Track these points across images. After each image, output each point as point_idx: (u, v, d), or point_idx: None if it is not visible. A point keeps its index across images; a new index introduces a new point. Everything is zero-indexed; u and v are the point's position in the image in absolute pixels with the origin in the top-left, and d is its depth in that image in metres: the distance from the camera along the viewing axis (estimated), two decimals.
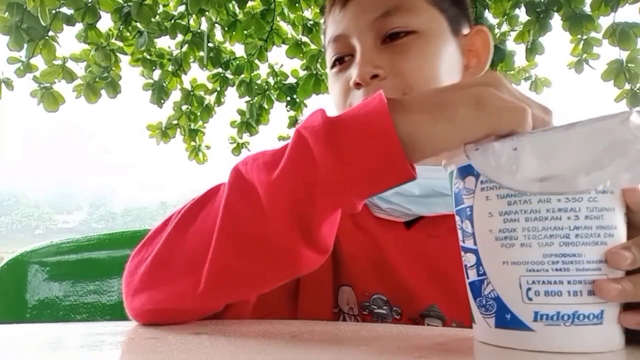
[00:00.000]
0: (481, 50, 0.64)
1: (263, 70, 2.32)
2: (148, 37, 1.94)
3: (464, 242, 0.34)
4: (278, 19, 2.11)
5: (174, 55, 2.16)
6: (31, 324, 0.48)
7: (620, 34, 1.74)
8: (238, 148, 2.50)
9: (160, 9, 1.99)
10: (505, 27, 2.06)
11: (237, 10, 2.07)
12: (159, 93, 2.17)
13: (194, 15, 2.03)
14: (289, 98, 2.34)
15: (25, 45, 1.74)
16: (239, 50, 2.26)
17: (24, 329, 0.45)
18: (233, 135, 2.46)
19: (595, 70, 2.00)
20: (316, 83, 2.11)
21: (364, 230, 0.60)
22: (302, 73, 2.25)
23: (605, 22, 1.87)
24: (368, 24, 0.58)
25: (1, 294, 0.82)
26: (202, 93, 2.35)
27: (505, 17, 2.00)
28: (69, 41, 1.96)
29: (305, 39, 2.12)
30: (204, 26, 2.14)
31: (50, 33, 1.76)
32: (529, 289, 0.30)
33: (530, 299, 0.30)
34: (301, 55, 2.14)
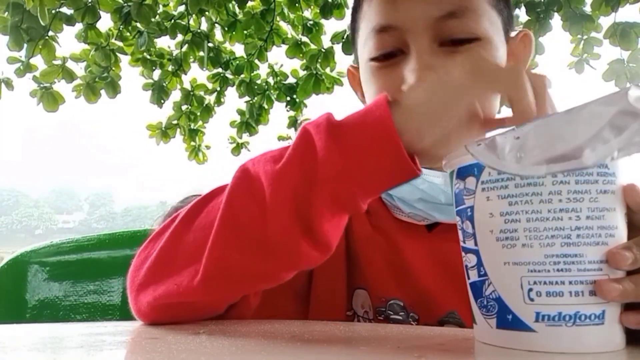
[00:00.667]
0: (522, 56, 0.60)
1: (263, 70, 2.33)
2: (148, 37, 1.94)
3: (464, 242, 0.34)
4: (278, 19, 2.11)
5: (174, 55, 2.16)
6: (31, 324, 0.48)
7: (621, 34, 1.74)
8: (238, 148, 2.50)
9: (160, 9, 1.99)
10: None
11: (237, 10, 2.07)
12: (159, 93, 2.17)
13: (194, 15, 2.03)
14: (288, 98, 2.34)
15: (25, 45, 1.74)
16: (239, 50, 2.27)
17: (24, 329, 0.45)
18: (233, 135, 2.46)
19: (596, 70, 2.00)
20: (316, 83, 2.11)
21: (383, 233, 0.59)
22: (302, 73, 2.25)
23: (605, 22, 1.87)
24: (429, 23, 0.51)
25: (1, 294, 0.82)
26: (202, 93, 2.35)
27: None
28: (68, 41, 1.96)
29: (305, 39, 2.12)
30: (204, 26, 2.14)
31: (50, 33, 1.76)
32: (530, 290, 0.30)
33: (531, 300, 0.30)
34: (301, 55, 2.14)
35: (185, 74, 2.24)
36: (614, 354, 0.29)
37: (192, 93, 2.32)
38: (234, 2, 2.03)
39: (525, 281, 0.30)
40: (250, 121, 2.37)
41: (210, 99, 2.37)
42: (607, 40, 1.84)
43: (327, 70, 2.13)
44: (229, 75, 2.31)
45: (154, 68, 2.18)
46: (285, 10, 2.10)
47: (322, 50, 2.09)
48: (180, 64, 2.13)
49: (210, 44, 2.13)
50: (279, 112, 2.43)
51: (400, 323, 0.55)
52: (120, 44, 2.03)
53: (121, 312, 0.81)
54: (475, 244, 0.33)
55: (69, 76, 1.92)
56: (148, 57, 2.14)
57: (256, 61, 2.25)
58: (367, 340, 0.36)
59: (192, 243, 0.42)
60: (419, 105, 0.38)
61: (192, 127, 2.42)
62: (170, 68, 2.19)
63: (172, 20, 2.01)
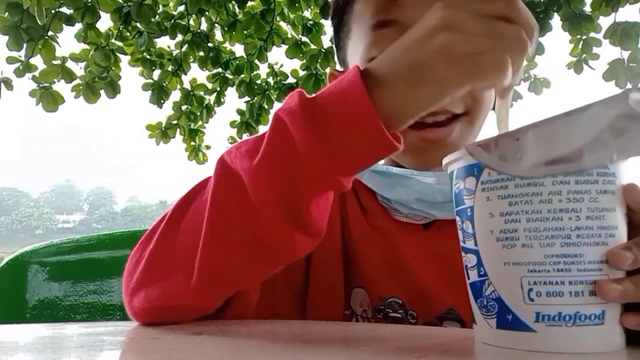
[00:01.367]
0: None
1: (263, 70, 2.33)
2: (148, 37, 1.94)
3: (464, 242, 0.34)
4: (278, 19, 2.11)
5: (173, 55, 2.16)
6: (31, 324, 0.48)
7: (622, 34, 1.74)
8: None
9: (160, 9, 1.99)
10: None
11: (237, 10, 2.07)
12: (159, 93, 2.17)
13: (193, 15, 2.04)
14: None
15: (25, 45, 1.74)
16: (238, 50, 2.27)
17: (24, 329, 0.45)
18: (233, 135, 2.46)
19: (595, 71, 2.00)
20: (316, 83, 2.11)
21: (380, 232, 0.59)
22: (301, 73, 2.25)
23: (605, 22, 1.87)
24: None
25: (1, 294, 0.82)
26: (202, 93, 2.35)
27: None
28: (68, 41, 1.96)
29: (305, 39, 2.12)
30: (204, 26, 2.14)
31: (50, 33, 1.76)
32: (530, 290, 0.30)
33: (531, 300, 0.30)
34: (301, 55, 2.14)
35: (185, 74, 2.24)
36: (614, 354, 0.29)
37: (192, 93, 2.32)
38: (234, 2, 2.03)
39: (525, 281, 0.30)
40: (250, 121, 2.37)
41: (210, 99, 2.37)
42: (606, 40, 1.84)
43: (327, 70, 2.13)
44: (229, 75, 2.31)
45: (153, 68, 2.18)
46: (285, 10, 2.10)
47: (322, 50, 2.09)
48: (180, 64, 2.13)
49: (210, 44, 2.14)
50: None
51: (400, 321, 0.55)
52: (120, 44, 2.03)
53: (121, 312, 0.81)
54: (475, 244, 0.33)
55: (69, 76, 1.92)
56: (148, 57, 2.14)
57: (256, 61, 2.25)
58: (367, 340, 0.36)
59: (181, 246, 0.42)
60: (391, 67, 0.36)
61: (192, 127, 2.42)
62: (170, 68, 2.19)
63: (172, 20, 2.01)
